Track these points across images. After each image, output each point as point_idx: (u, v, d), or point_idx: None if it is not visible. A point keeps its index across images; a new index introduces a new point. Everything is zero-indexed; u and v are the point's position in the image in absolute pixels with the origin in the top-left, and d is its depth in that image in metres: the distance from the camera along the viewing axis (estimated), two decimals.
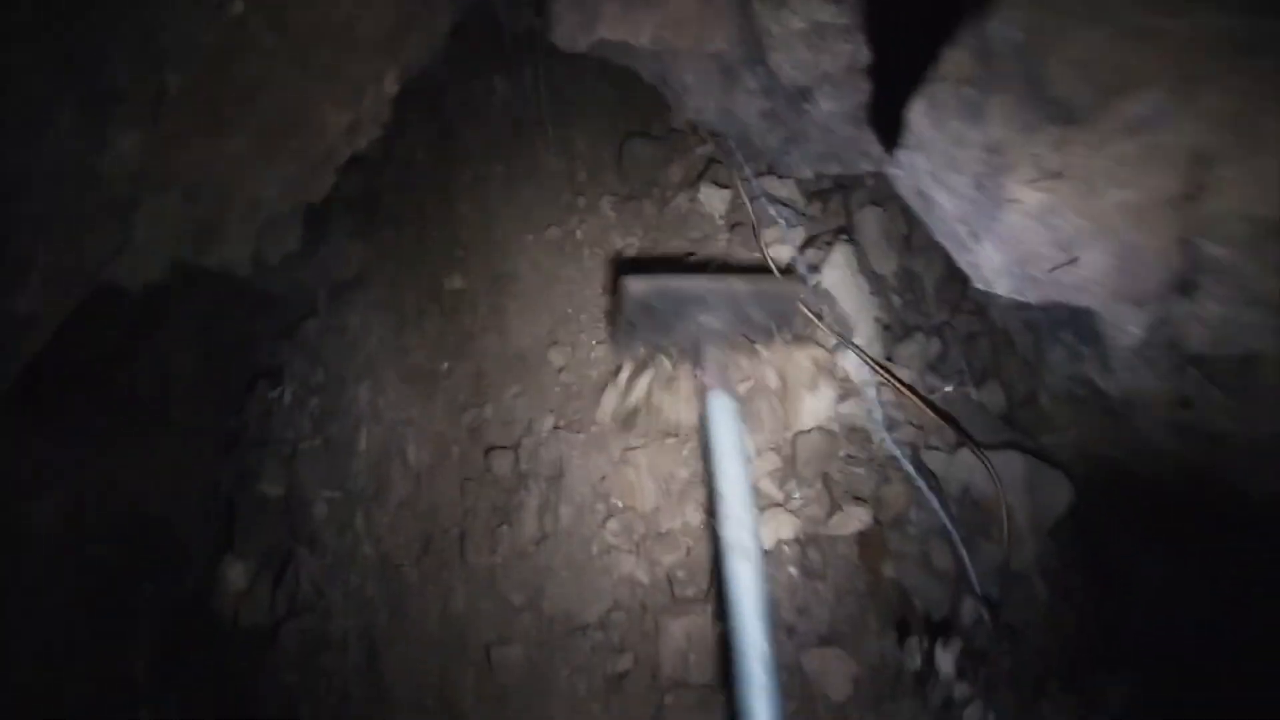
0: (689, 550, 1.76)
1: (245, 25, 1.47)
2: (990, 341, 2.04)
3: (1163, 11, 1.01)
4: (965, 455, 1.89)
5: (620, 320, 1.91)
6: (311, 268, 1.95)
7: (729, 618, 1.52)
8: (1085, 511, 1.98)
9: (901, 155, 1.51)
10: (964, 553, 1.82)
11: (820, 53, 1.74)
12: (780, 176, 2.21)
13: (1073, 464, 1.99)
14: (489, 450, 1.94)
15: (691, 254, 2.12)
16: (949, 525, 1.83)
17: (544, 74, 2.12)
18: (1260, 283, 1.14)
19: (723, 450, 1.68)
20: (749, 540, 1.57)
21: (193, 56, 1.43)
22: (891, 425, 1.92)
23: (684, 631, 1.71)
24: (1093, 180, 1.20)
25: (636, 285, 1.85)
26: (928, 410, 1.92)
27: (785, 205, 2.18)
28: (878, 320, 1.98)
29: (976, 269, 1.50)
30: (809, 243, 2.11)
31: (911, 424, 1.93)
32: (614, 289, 1.98)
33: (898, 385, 1.92)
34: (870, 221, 2.14)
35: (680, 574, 1.76)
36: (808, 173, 2.12)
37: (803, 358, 1.98)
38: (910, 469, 1.88)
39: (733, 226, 2.13)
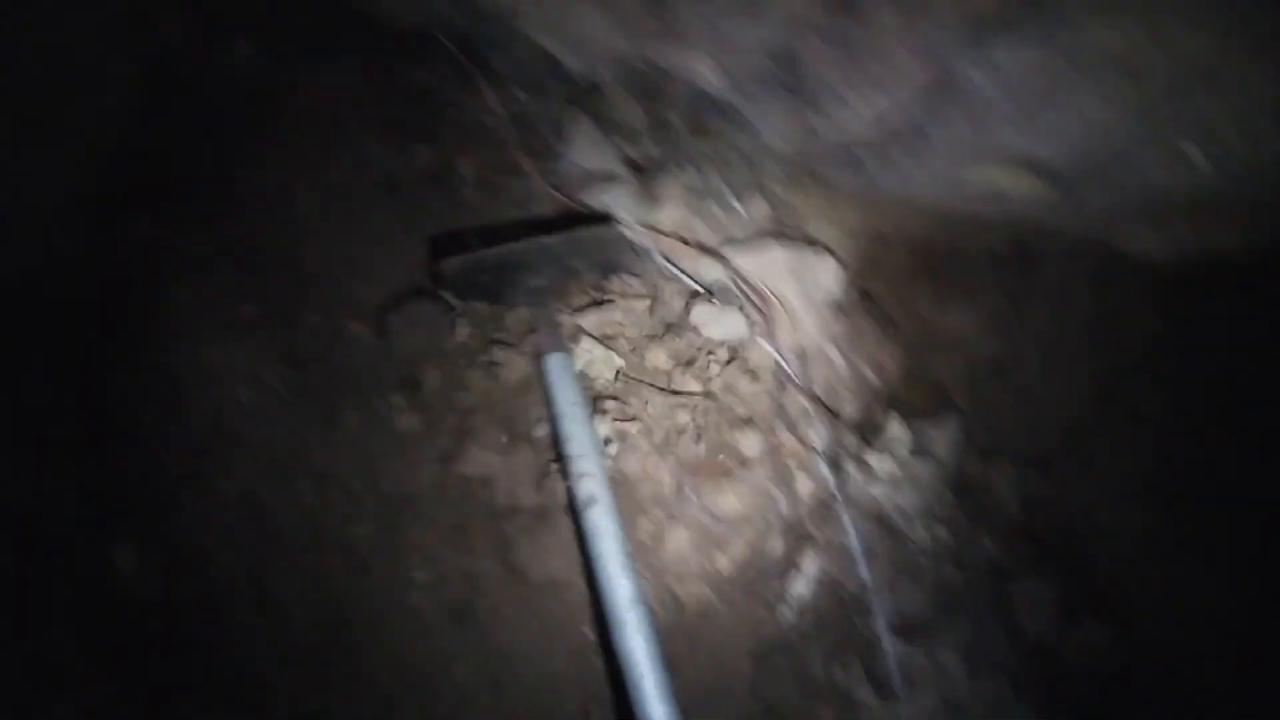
0: None
1: None
2: (743, 159, 2.35)
3: None
4: None
5: (450, 299, 2.13)
6: (107, 259, 2.26)
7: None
8: (858, 279, 2.35)
9: None
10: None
11: None
12: None
13: (841, 245, 2.37)
14: (308, 365, 2.29)
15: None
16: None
17: None
18: None
19: (563, 401, 1.92)
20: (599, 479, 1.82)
21: None
22: None
23: None
24: None
25: (452, 264, 2.07)
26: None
27: None
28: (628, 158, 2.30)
29: None
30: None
31: None
32: (433, 274, 2.17)
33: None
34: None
35: None
36: None
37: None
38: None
39: None
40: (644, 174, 2.30)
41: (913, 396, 2.35)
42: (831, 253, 2.25)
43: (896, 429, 2.29)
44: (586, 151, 2.23)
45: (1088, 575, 2.36)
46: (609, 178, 2.27)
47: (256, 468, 2.16)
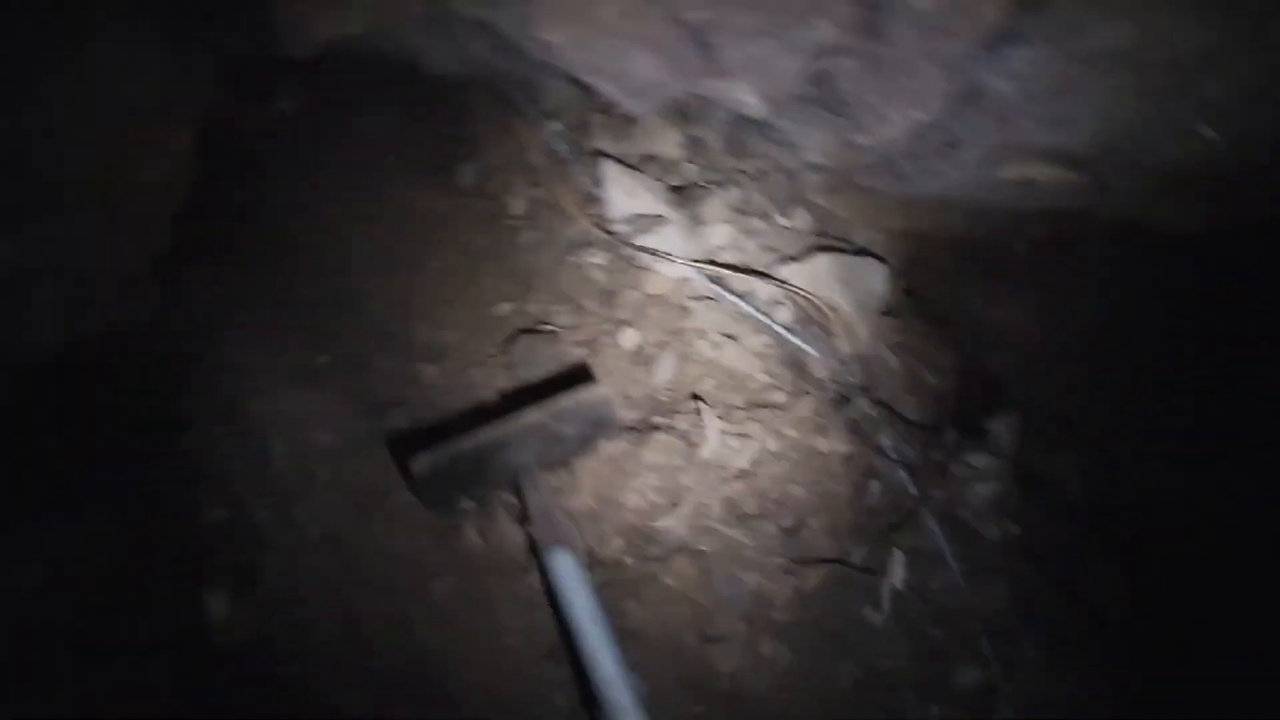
0: None
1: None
2: (782, 173, 2.61)
3: None
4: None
5: (426, 500, 2.13)
6: (181, 317, 2.51)
7: None
8: (907, 282, 2.54)
9: None
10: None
11: None
12: None
13: (887, 249, 2.59)
14: (385, 411, 2.52)
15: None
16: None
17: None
18: None
19: (580, 616, 1.80)
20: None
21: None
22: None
23: None
24: None
25: (422, 463, 1.99)
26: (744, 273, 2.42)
27: None
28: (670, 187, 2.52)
29: None
30: None
31: None
32: (402, 471, 2.13)
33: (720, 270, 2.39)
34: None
35: None
36: None
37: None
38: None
39: None
40: (686, 198, 2.51)
41: (972, 393, 2.56)
42: (878, 258, 2.43)
43: (960, 427, 2.47)
44: (624, 193, 2.44)
45: (1154, 556, 2.52)
46: (654, 217, 2.45)
47: (339, 509, 2.38)
